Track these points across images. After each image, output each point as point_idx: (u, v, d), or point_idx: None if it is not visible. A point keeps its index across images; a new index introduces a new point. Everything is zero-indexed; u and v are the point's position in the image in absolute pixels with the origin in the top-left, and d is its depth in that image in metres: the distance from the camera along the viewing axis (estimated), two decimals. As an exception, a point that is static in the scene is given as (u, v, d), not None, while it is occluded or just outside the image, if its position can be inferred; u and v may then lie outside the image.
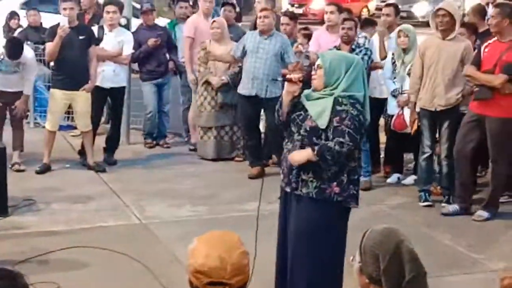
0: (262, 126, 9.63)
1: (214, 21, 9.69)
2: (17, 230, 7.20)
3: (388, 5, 9.73)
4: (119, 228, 7.37)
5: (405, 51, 8.59)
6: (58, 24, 8.78)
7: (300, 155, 5.04)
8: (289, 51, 8.90)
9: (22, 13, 13.16)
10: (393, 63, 8.71)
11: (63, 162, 9.31)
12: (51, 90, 9.21)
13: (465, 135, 7.77)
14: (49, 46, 8.89)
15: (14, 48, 8.75)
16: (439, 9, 7.95)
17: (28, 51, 8.94)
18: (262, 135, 9.47)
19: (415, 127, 8.23)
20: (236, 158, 9.74)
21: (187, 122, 10.47)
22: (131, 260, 6.42)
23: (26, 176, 8.76)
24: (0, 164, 7.56)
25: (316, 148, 4.97)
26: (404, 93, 8.53)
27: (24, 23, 12.37)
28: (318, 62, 5.18)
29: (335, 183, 5.06)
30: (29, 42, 10.37)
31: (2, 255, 6.45)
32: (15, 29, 12.13)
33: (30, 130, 10.63)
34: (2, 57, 8.71)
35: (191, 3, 11.38)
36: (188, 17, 10.62)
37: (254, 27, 9.72)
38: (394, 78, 8.68)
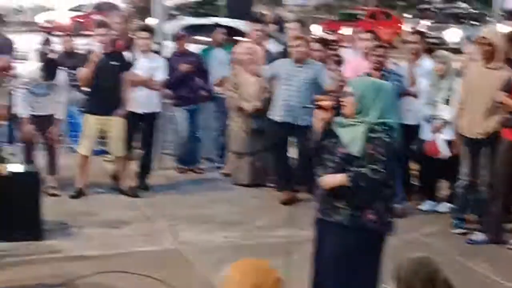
0: (293, 152, 9.63)
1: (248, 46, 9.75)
2: (52, 254, 7.24)
3: (414, 32, 9.74)
4: (153, 253, 7.38)
5: (441, 77, 8.56)
6: (92, 50, 8.88)
7: (332, 179, 5.04)
8: (323, 77, 8.90)
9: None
10: (428, 89, 8.69)
11: (96, 187, 9.37)
12: (85, 115, 9.29)
13: (502, 164, 7.69)
14: (83, 72, 8.98)
15: (49, 69, 8.87)
16: (480, 37, 7.90)
17: (60, 74, 9.05)
18: (294, 161, 9.47)
19: (456, 152, 8.19)
20: (269, 184, 9.74)
21: (220, 147, 10.51)
22: (164, 286, 6.42)
23: (60, 201, 8.82)
24: (34, 188, 7.64)
25: (349, 173, 4.97)
26: (438, 119, 8.49)
27: (58, 48, 12.52)
28: (349, 89, 5.18)
29: (369, 211, 5.03)
30: (63, 67, 10.48)
31: (37, 279, 6.51)
32: (48, 54, 12.28)
33: (64, 155, 10.72)
34: (36, 82, 8.81)
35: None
36: (220, 44, 10.74)
37: (284, 54, 9.73)
38: (429, 104, 8.65)
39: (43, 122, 9.11)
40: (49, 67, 8.95)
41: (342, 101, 5.22)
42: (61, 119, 9.37)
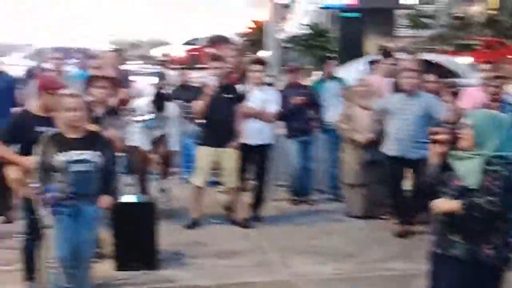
0: (408, 185, 9.50)
1: (361, 79, 9.74)
2: (167, 284, 7.36)
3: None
4: (266, 284, 7.40)
5: None
6: (206, 83, 9.04)
7: (446, 203, 4.95)
8: (436, 109, 8.75)
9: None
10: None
11: (210, 218, 9.48)
12: (198, 147, 9.44)
13: None
14: (197, 104, 9.14)
15: (158, 102, 9.08)
16: None
17: (171, 107, 9.25)
18: (409, 193, 9.33)
19: None
20: (382, 216, 9.62)
21: (332, 179, 10.48)
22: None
23: (175, 230, 8.96)
24: (150, 218, 7.79)
25: (463, 201, 4.86)
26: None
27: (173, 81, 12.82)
28: (468, 121, 5.07)
29: (486, 245, 4.90)
30: (178, 100, 10.71)
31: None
32: (163, 88, 12.58)
33: (178, 186, 10.93)
34: (149, 115, 9.04)
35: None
36: (333, 76, 10.81)
37: (396, 88, 9.63)
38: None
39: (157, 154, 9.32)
40: (158, 100, 9.18)
41: (458, 133, 5.12)
42: (175, 150, 9.54)
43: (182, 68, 13.42)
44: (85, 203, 6.11)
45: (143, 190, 9.35)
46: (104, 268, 7.46)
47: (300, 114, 10.29)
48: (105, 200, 6.20)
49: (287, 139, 10.51)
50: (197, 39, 36.09)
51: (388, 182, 9.19)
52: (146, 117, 7.45)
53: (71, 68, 11.28)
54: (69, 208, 6.05)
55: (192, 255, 8.15)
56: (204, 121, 9.24)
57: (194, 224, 9.20)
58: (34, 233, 6.47)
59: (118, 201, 7.82)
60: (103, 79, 7.93)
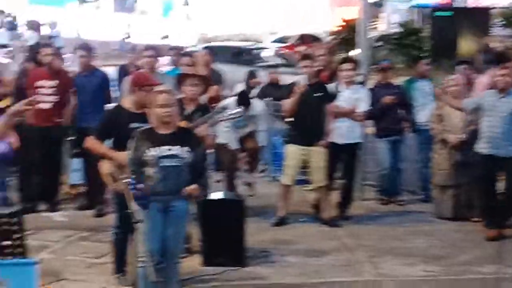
0: (501, 186, 9.30)
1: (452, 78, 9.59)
2: (253, 281, 7.40)
3: None
4: (353, 284, 7.36)
5: None
6: (297, 81, 9.04)
7: None
8: None
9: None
10: None
11: (297, 216, 9.48)
12: (287, 145, 9.45)
13: None
14: (287, 103, 9.15)
15: (243, 100, 9.15)
16: None
17: (259, 105, 9.29)
18: (502, 196, 9.13)
19: None
20: (473, 218, 9.44)
21: (423, 179, 10.35)
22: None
23: (262, 228, 9.00)
24: (239, 215, 7.84)
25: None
26: None
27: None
28: None
29: None
30: (267, 98, 10.75)
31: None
32: (253, 88, 12.69)
33: (267, 184, 10.98)
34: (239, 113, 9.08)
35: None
36: (425, 75, 10.66)
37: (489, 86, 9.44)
38: None
39: (244, 150, 9.38)
40: (242, 98, 9.24)
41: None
42: (263, 146, 9.58)
43: (271, 66, 13.47)
44: (175, 198, 6.21)
45: (231, 188, 9.41)
46: (192, 264, 7.56)
47: (390, 114, 10.19)
48: (192, 188, 6.25)
49: (377, 139, 10.42)
50: (287, 37, 36.12)
51: (480, 182, 9.01)
52: (234, 115, 7.51)
53: (163, 66, 11.44)
54: (159, 203, 6.15)
55: (279, 253, 8.16)
56: (293, 119, 9.25)
57: (281, 222, 9.22)
58: (125, 227, 6.60)
59: (207, 197, 7.93)
60: (195, 77, 8.03)
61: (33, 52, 11.06)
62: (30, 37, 27.20)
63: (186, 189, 6.18)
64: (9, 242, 4.60)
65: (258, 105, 9.73)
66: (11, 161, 9.82)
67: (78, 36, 33.18)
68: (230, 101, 9.53)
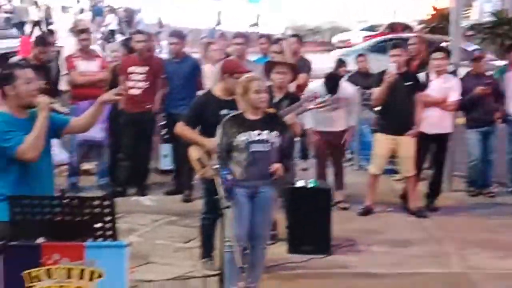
0: None
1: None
2: (338, 269, 7.39)
3: None
4: (439, 275, 7.27)
5: None
6: (385, 70, 8.96)
7: None
8: None
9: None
10: None
11: (385, 206, 9.43)
12: (376, 134, 9.38)
13: None
14: (376, 92, 9.08)
15: (330, 83, 9.11)
16: None
17: (347, 87, 9.26)
18: None
19: None
20: None
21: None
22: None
23: (348, 217, 8.98)
24: (325, 204, 7.85)
25: None
26: None
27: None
28: None
29: None
30: (357, 87, 10.68)
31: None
32: (342, 76, 12.58)
33: (354, 173, 10.93)
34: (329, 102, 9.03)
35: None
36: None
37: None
38: None
39: (332, 137, 9.33)
40: (330, 81, 9.19)
41: None
42: (354, 125, 9.56)
43: (361, 55, 13.38)
44: (263, 183, 6.25)
45: (320, 176, 9.39)
46: (278, 251, 7.60)
47: (482, 104, 9.99)
48: (277, 167, 6.23)
49: (467, 129, 10.24)
50: (375, 25, 35.81)
51: None
52: (323, 103, 7.46)
53: (253, 53, 11.48)
54: (247, 188, 6.20)
55: (365, 242, 8.14)
56: (382, 108, 9.18)
57: (368, 212, 9.18)
58: (213, 213, 6.67)
59: (293, 184, 7.95)
60: (283, 64, 8.04)
61: (127, 39, 11.26)
62: (110, 21, 27.80)
63: (271, 167, 6.19)
64: (101, 225, 4.69)
65: (349, 89, 9.61)
66: (104, 146, 10.10)
67: (160, 22, 33.43)
68: (317, 85, 9.48)
